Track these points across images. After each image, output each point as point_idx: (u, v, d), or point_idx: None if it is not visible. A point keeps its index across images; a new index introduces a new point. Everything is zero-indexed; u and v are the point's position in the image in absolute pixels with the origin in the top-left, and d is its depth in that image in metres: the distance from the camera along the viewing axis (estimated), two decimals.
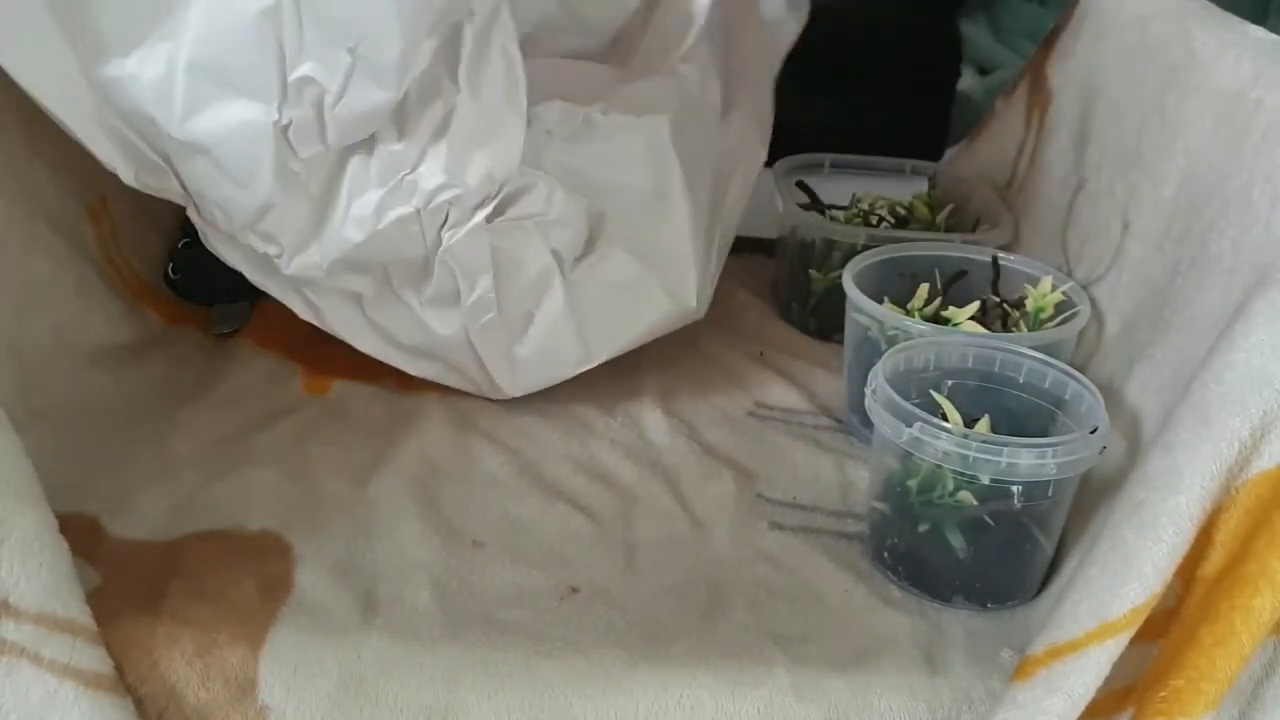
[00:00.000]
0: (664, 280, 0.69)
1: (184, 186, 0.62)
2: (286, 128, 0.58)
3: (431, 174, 0.60)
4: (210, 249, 0.66)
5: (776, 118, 0.82)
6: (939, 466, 0.56)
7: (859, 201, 0.85)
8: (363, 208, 0.61)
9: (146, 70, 0.57)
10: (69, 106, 0.58)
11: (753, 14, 0.77)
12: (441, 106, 0.60)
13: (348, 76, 0.56)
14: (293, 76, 0.57)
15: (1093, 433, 0.55)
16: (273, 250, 0.63)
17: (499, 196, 0.63)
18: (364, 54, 0.56)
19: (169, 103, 0.58)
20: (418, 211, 0.61)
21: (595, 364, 0.70)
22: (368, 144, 0.60)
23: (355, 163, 0.61)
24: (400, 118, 0.60)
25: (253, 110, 0.57)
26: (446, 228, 0.63)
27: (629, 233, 0.68)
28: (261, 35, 0.56)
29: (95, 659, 0.48)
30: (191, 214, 0.65)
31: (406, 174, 0.61)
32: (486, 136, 0.60)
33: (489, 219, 0.63)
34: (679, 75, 0.70)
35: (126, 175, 0.61)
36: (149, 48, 0.57)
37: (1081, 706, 0.47)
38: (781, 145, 0.87)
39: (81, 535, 0.54)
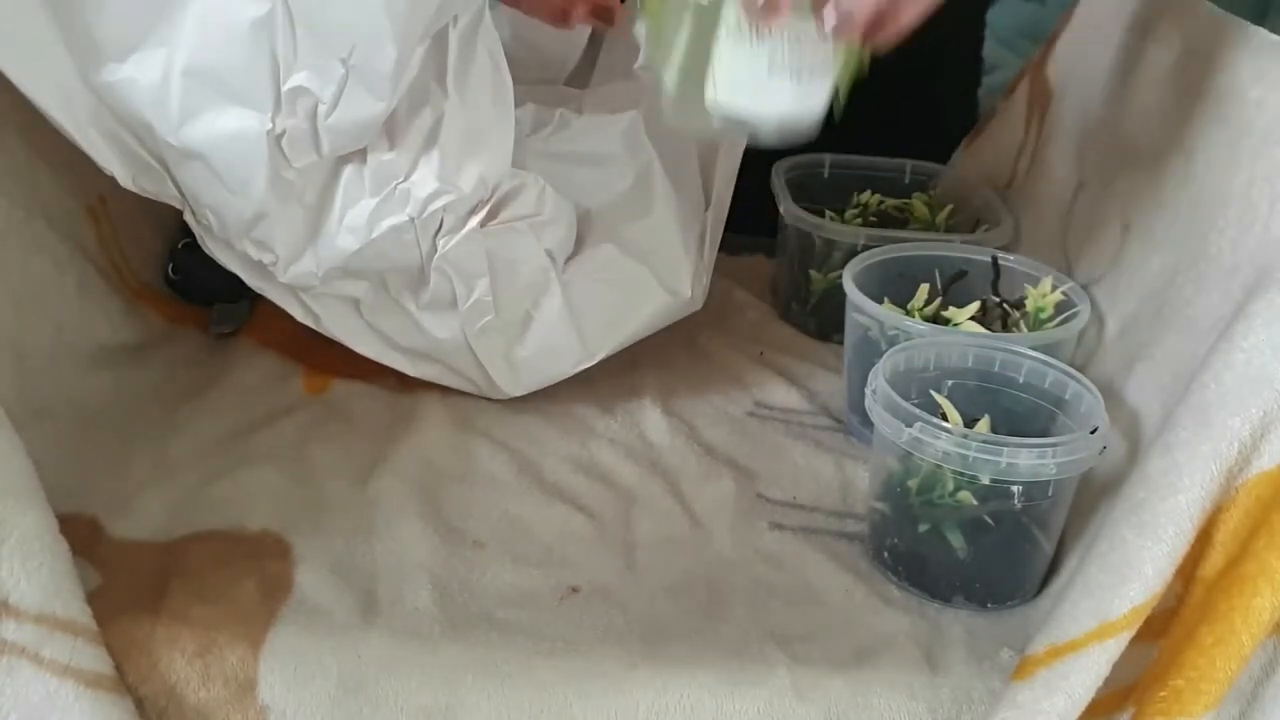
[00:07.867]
0: (657, 273, 0.70)
1: (180, 191, 0.62)
2: (280, 137, 0.58)
3: (424, 182, 0.60)
4: (208, 252, 0.66)
5: None
6: (939, 466, 0.56)
7: (859, 201, 0.85)
8: (357, 217, 0.61)
9: (143, 75, 0.57)
10: (66, 110, 0.58)
11: None
12: (431, 113, 0.60)
13: (341, 87, 0.56)
14: (286, 86, 0.56)
15: (1093, 433, 0.55)
16: (267, 258, 0.63)
17: (492, 200, 0.63)
18: (357, 64, 0.56)
19: (165, 108, 0.57)
20: (412, 220, 0.61)
21: (594, 361, 0.70)
22: (361, 153, 0.60)
23: (349, 172, 0.61)
24: (391, 127, 0.60)
25: (247, 118, 0.57)
26: (441, 234, 0.63)
27: (616, 228, 0.68)
28: (255, 44, 0.55)
29: (95, 659, 0.48)
30: (188, 218, 0.65)
31: (400, 183, 0.61)
32: (477, 141, 0.61)
33: (483, 223, 0.63)
34: (640, 79, 0.70)
35: (123, 179, 0.61)
36: (145, 53, 0.56)
37: (1081, 706, 0.47)
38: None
39: (81, 535, 0.54)
